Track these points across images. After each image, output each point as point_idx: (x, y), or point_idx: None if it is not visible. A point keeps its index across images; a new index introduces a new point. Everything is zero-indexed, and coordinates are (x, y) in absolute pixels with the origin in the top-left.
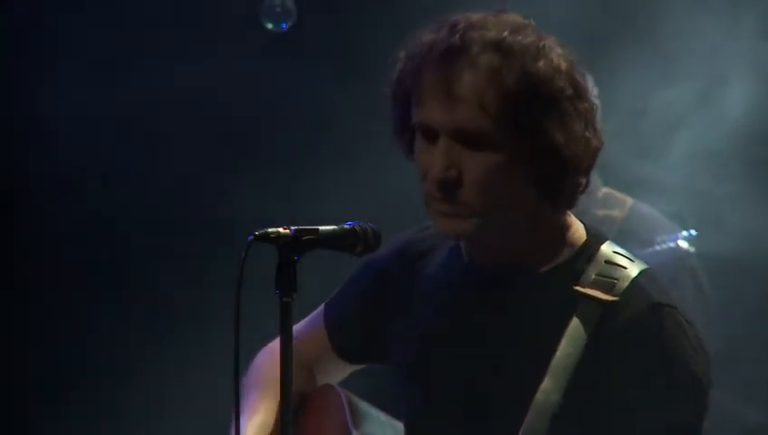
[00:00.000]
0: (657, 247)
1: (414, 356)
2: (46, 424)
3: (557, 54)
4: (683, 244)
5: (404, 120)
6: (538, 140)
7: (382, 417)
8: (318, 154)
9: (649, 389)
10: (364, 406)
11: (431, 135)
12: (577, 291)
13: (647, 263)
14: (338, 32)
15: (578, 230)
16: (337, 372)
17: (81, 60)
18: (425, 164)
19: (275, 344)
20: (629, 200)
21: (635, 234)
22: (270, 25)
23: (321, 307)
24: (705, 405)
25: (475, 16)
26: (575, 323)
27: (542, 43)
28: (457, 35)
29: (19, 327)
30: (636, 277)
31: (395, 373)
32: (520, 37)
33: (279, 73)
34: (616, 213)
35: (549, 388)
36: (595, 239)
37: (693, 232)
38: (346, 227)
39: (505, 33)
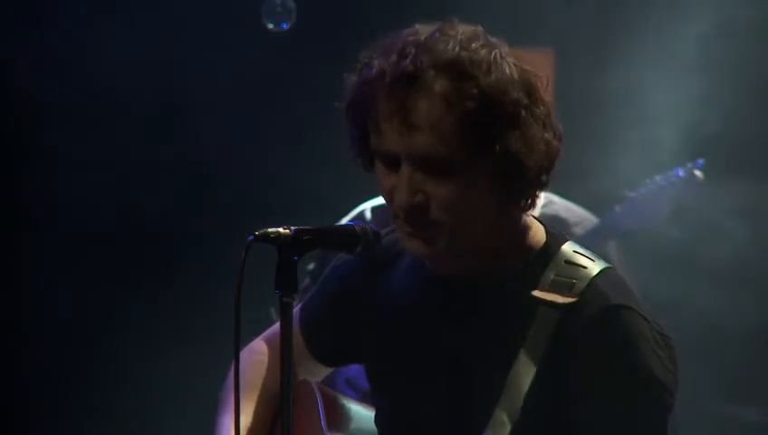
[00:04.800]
0: (681, 174)
1: (380, 365)
2: (43, 424)
3: (508, 64)
4: (699, 174)
5: (362, 141)
6: (500, 155)
7: (363, 411)
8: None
9: (608, 391)
10: (345, 402)
11: (392, 161)
12: (535, 297)
13: (608, 262)
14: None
15: (537, 232)
16: (317, 371)
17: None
18: (389, 189)
19: (255, 345)
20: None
21: (556, 218)
22: (271, 25)
23: (298, 308)
24: (668, 404)
25: (424, 33)
26: (534, 328)
27: (493, 55)
28: (408, 60)
29: (17, 325)
30: (594, 277)
31: (366, 378)
32: (471, 53)
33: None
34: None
35: (509, 398)
36: (555, 240)
37: (700, 161)
38: (346, 226)
39: (456, 51)
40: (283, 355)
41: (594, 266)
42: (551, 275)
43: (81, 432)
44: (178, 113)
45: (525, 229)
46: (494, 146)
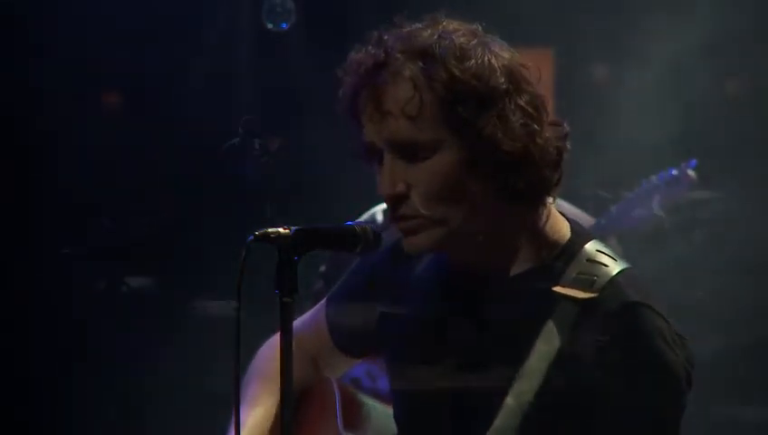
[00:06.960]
0: (674, 173)
1: (398, 357)
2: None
3: (493, 53)
4: (692, 173)
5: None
6: (474, 138)
7: (384, 409)
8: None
9: (621, 386)
10: (366, 401)
11: (375, 153)
12: (555, 292)
13: (628, 263)
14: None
15: (561, 229)
16: (340, 365)
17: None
18: (378, 183)
19: (278, 338)
20: None
21: None
22: (270, 25)
23: (325, 299)
24: (681, 402)
25: (408, 28)
26: (551, 323)
27: (472, 43)
28: (382, 49)
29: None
30: (614, 276)
31: (386, 371)
32: (447, 42)
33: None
34: None
35: (521, 389)
36: (579, 238)
37: (693, 161)
38: (345, 227)
39: (432, 40)
40: (283, 355)
41: (615, 265)
42: (573, 273)
43: (83, 431)
44: (180, 110)
45: (546, 226)
46: (468, 129)
